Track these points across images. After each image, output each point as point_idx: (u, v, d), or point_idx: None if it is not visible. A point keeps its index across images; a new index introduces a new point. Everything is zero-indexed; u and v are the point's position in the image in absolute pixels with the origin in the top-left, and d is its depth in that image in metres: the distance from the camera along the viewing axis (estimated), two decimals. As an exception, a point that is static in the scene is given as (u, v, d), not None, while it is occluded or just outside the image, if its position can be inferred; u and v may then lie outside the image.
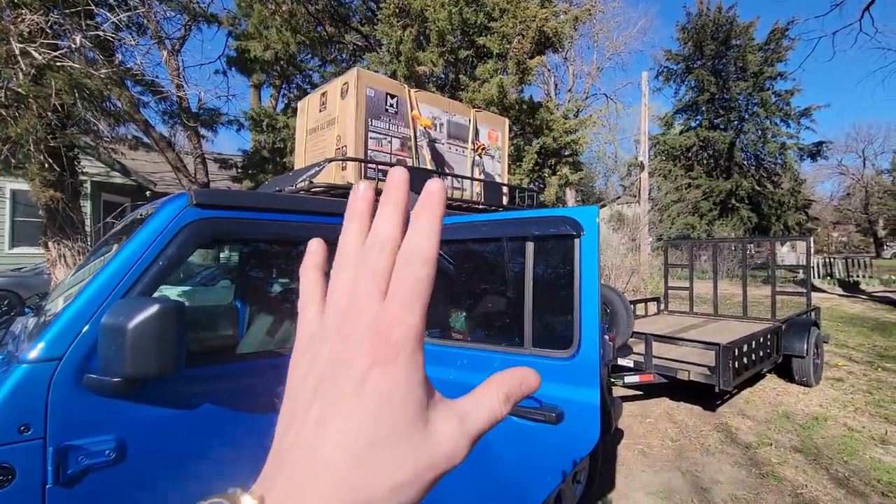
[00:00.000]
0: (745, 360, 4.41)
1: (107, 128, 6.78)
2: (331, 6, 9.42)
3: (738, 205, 22.20)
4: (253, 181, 9.31)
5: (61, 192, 5.20)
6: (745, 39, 22.70)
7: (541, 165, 9.17)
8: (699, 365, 4.33)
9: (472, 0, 7.51)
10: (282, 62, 9.09)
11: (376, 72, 6.39)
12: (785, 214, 22.23)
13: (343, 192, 2.43)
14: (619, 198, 21.77)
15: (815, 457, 3.60)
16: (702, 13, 23.35)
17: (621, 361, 4.54)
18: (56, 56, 4.23)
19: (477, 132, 3.33)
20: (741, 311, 6.79)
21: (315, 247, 0.32)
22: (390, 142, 2.77)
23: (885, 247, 35.25)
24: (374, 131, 2.68)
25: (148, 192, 10.39)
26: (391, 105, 2.77)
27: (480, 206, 3.12)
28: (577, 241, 1.75)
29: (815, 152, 23.95)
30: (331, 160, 2.49)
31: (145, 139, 8.89)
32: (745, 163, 23.60)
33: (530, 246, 1.90)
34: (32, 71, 4.15)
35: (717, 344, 4.11)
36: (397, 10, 7.57)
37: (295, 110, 8.62)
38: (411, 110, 2.88)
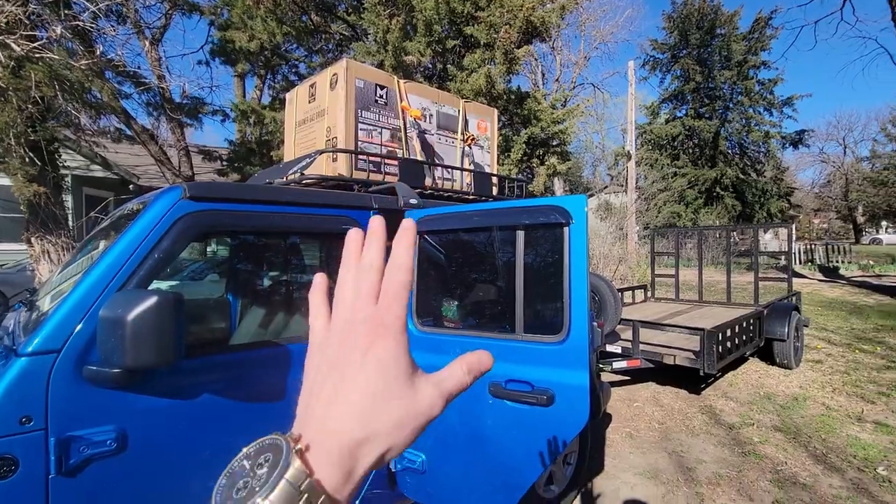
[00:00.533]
0: (728, 344, 4.55)
1: (88, 120, 6.65)
2: (316, -5, 9.27)
3: (722, 193, 22.50)
4: (239, 173, 9.18)
5: (44, 187, 5.10)
6: (729, 28, 22.84)
7: (529, 155, 9.20)
8: (685, 350, 4.44)
9: (459, -11, 7.45)
10: (266, 52, 8.94)
11: (364, 62, 6.33)
12: (768, 202, 22.59)
13: (335, 183, 2.45)
14: (606, 187, 21.89)
15: (795, 435, 3.74)
16: (687, 2, 23.41)
17: (609, 348, 4.64)
18: (35, 47, 4.14)
19: (466, 123, 3.35)
20: (725, 298, 6.96)
21: (319, 280, 0.42)
22: (380, 133, 2.78)
23: (863, 233, 36.03)
24: (364, 122, 2.69)
25: (131, 186, 10.18)
26: (381, 96, 2.77)
27: (470, 197, 3.15)
28: (566, 229, 1.79)
29: (797, 140, 24.31)
30: (322, 152, 2.49)
31: (127, 131, 8.72)
32: (730, 151, 23.88)
33: (520, 234, 1.94)
34: (11, 63, 4.05)
35: (702, 329, 4.22)
36: (384, -1, 7.49)
37: (282, 103, 8.51)
38: (401, 101, 2.88)
